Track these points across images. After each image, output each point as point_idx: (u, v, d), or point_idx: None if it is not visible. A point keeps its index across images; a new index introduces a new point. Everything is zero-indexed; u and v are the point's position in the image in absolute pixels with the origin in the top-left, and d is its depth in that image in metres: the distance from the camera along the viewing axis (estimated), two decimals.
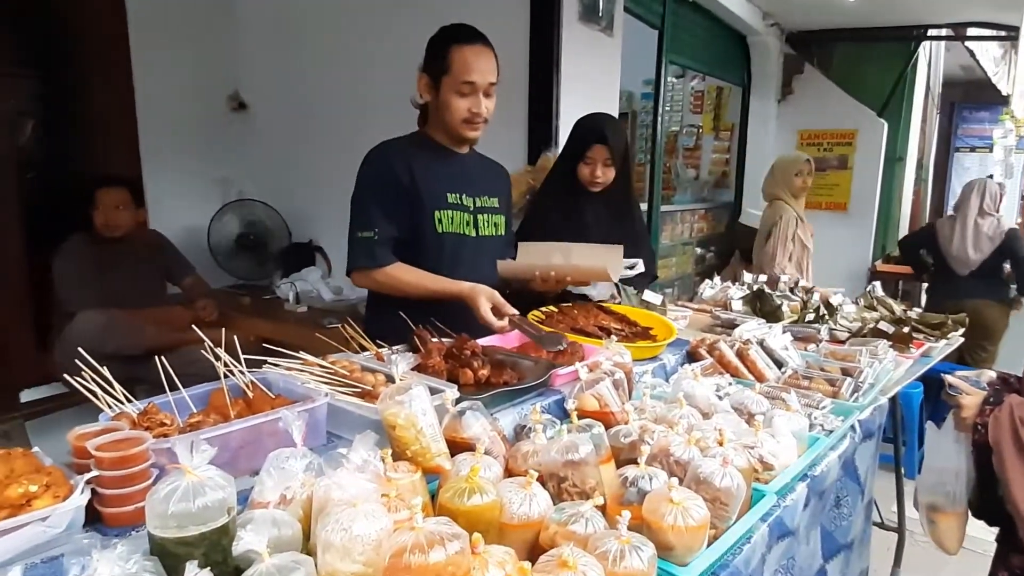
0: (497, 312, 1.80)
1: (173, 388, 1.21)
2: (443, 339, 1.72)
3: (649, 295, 2.33)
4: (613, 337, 1.70)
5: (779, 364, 1.93)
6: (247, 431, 1.09)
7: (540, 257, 2.04)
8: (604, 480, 1.14)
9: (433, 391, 1.30)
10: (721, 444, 1.18)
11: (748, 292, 2.60)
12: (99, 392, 1.13)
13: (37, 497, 0.86)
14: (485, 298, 1.79)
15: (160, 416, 1.06)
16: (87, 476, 0.90)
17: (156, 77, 4.00)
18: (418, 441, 1.09)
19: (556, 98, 3.10)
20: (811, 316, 2.46)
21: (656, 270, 2.75)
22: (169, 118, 4.09)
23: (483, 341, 1.74)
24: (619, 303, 2.25)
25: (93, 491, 0.92)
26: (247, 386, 1.26)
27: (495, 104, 1.92)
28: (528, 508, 1.01)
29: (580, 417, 1.32)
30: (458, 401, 1.27)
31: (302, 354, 1.34)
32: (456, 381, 1.56)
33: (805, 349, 2.11)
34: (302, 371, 1.31)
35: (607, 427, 1.32)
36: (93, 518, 0.93)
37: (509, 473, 1.20)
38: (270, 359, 1.30)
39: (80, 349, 1.17)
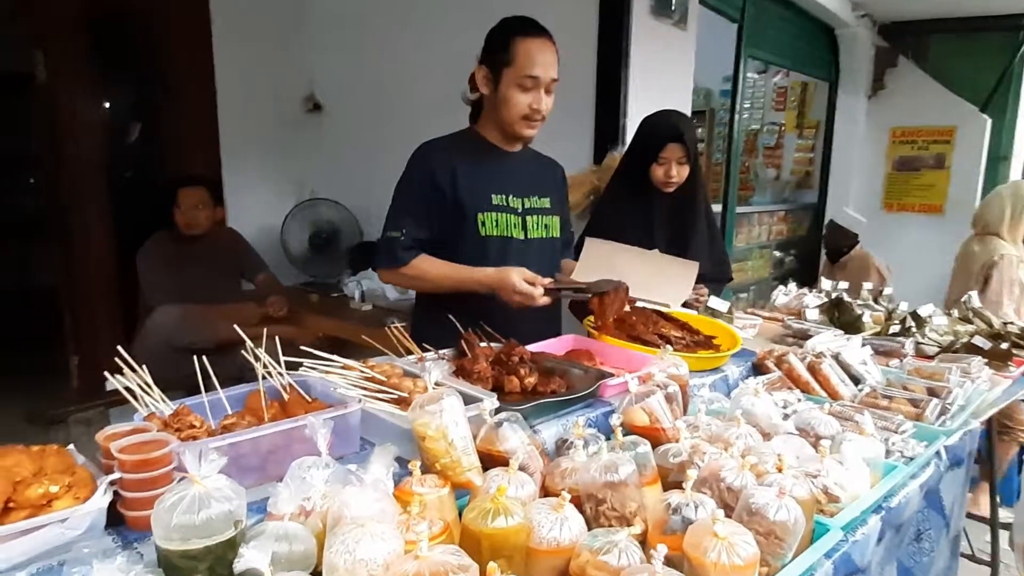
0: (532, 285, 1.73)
1: (210, 388, 1.20)
2: (492, 344, 1.67)
3: (715, 301, 2.20)
4: (669, 347, 1.60)
5: (856, 380, 1.78)
6: (276, 436, 1.06)
7: (605, 260, 1.96)
8: (647, 504, 1.06)
9: (471, 400, 1.25)
10: (780, 471, 1.07)
11: (825, 300, 2.42)
12: (138, 391, 1.13)
13: (58, 498, 0.86)
14: (516, 273, 1.72)
15: (190, 418, 1.05)
16: (109, 478, 0.89)
17: (236, 80, 4.14)
18: (448, 454, 1.04)
19: (624, 95, 2.99)
20: (896, 328, 2.27)
21: (730, 272, 2.61)
22: (247, 120, 4.23)
23: (533, 347, 1.68)
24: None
25: (117, 493, 0.91)
26: (284, 388, 1.24)
27: (553, 102, 1.85)
28: (559, 532, 0.94)
29: (628, 433, 1.24)
30: (497, 411, 1.22)
31: (335, 357, 1.31)
32: (502, 388, 1.51)
33: (887, 365, 1.94)
34: (338, 374, 1.28)
35: (656, 445, 1.24)
36: (118, 520, 0.93)
37: (546, 492, 1.13)
38: (306, 361, 1.27)
39: (120, 348, 1.17)
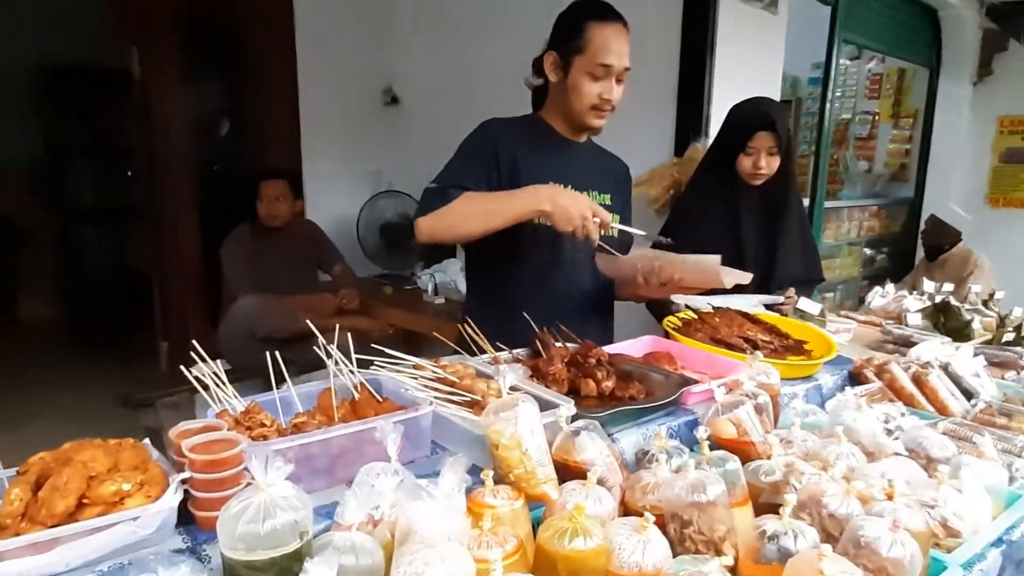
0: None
1: (283, 383, 1.19)
2: (567, 344, 1.60)
3: (805, 303, 2.06)
4: (758, 352, 1.49)
5: (968, 395, 1.62)
6: (345, 439, 1.03)
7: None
8: (737, 528, 0.97)
9: (546, 405, 1.19)
10: (890, 498, 0.96)
11: (929, 304, 2.23)
12: (212, 385, 1.12)
13: (130, 495, 0.85)
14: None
15: (260, 416, 1.03)
16: (180, 477, 0.88)
17: (317, 74, 4.21)
18: (523, 464, 0.99)
19: (709, 84, 2.85)
20: (1010, 336, 2.06)
21: (822, 272, 2.44)
22: (327, 113, 4.29)
23: (610, 349, 1.60)
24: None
25: (187, 491, 0.90)
26: (355, 387, 1.21)
27: (628, 91, 1.76)
28: (641, 557, 0.86)
29: (713, 446, 1.15)
30: (574, 419, 1.15)
31: (407, 356, 1.27)
32: (577, 391, 1.44)
33: (1002, 378, 1.76)
34: (409, 374, 1.25)
35: (744, 460, 1.14)
36: (189, 519, 0.91)
37: (625, 508, 1.06)
38: (377, 359, 1.24)
39: (195, 342, 1.17)
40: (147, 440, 1.02)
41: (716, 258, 1.68)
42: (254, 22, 4.18)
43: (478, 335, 1.52)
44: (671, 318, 1.84)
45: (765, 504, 1.06)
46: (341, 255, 3.90)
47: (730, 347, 1.70)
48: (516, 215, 1.62)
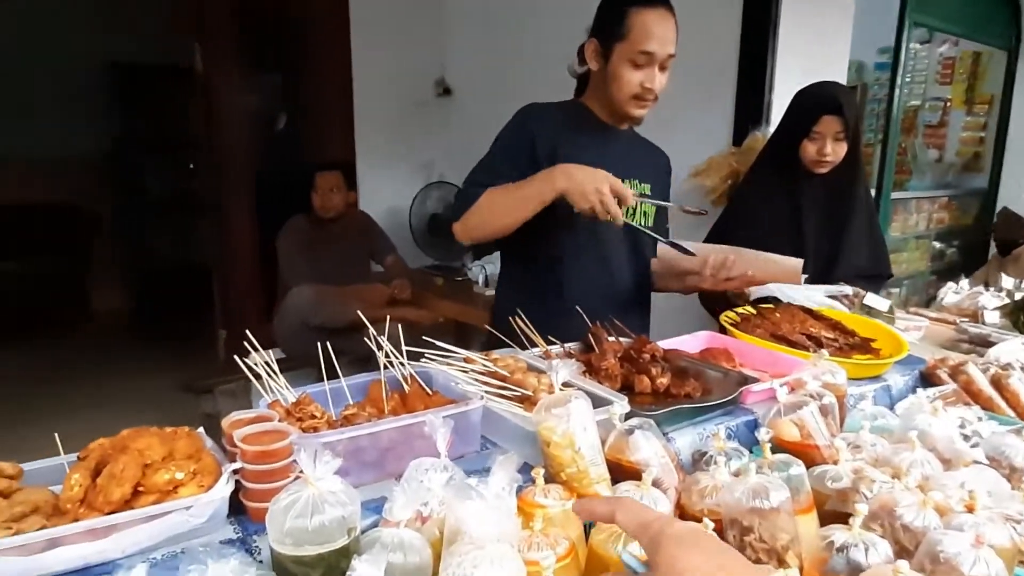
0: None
1: (334, 375, 1.19)
2: (620, 339, 1.56)
3: (873, 299, 1.96)
4: (823, 351, 1.42)
5: None
6: (394, 432, 1.02)
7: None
8: (801, 537, 0.92)
9: (600, 402, 1.16)
10: (971, 511, 0.89)
11: (1008, 301, 2.10)
12: (264, 375, 1.12)
13: (183, 484, 0.86)
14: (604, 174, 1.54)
15: (311, 408, 1.03)
16: (231, 467, 0.88)
17: (371, 65, 4.24)
18: (575, 463, 0.96)
19: (771, 69, 2.74)
20: None
21: (889, 268, 2.31)
22: (380, 104, 4.33)
23: (665, 344, 1.55)
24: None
25: (238, 482, 0.90)
26: (406, 379, 1.20)
27: (668, 80, 1.69)
28: None
29: (775, 449, 1.10)
30: (628, 416, 1.11)
31: (457, 349, 1.25)
32: (631, 388, 1.40)
33: None
34: (459, 367, 1.23)
35: (808, 465, 1.09)
36: (240, 509, 0.92)
37: (681, 511, 1.02)
38: (428, 351, 1.23)
39: (248, 332, 1.18)
40: (201, 429, 1.02)
41: (799, 262, 1.62)
42: (310, 16, 4.23)
43: (529, 328, 1.49)
44: (729, 313, 1.77)
45: (831, 512, 1.00)
46: (393, 246, 3.93)
47: (792, 344, 1.63)
48: (539, 200, 1.58)
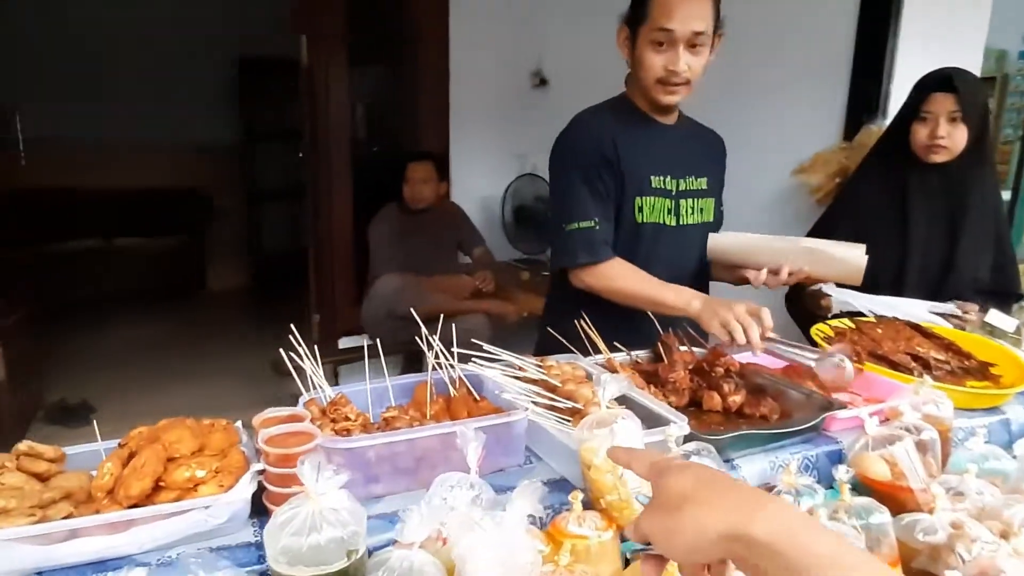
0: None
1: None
2: (693, 348, 1.44)
3: (997, 316, 1.72)
4: (928, 376, 1.24)
5: None
6: (429, 440, 0.97)
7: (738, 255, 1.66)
8: None
9: (656, 421, 1.06)
10: None
11: None
12: (309, 372, 1.10)
13: (204, 483, 0.84)
14: (736, 305, 1.40)
15: (346, 409, 0.99)
16: (254, 468, 0.86)
17: (468, 56, 4.23)
18: (617, 490, 0.87)
19: (891, 54, 2.47)
20: None
21: (1019, 286, 1.96)
22: (475, 94, 4.31)
23: (743, 358, 1.42)
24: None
25: (261, 483, 0.88)
26: (453, 383, 1.15)
27: (705, 62, 1.54)
28: None
29: (860, 490, 0.96)
30: (687, 440, 1.01)
31: (508, 354, 1.18)
32: (700, 404, 1.29)
33: None
34: (512, 374, 1.16)
35: (897, 511, 0.94)
36: (264, 510, 0.89)
37: None
38: (475, 355, 1.16)
39: (292, 326, 1.16)
40: (240, 423, 1.01)
41: (860, 248, 1.45)
42: (410, 7, 4.27)
43: (592, 331, 1.40)
44: (821, 326, 1.60)
45: (919, 572, 0.86)
46: (482, 238, 3.91)
47: (893, 365, 1.45)
48: (670, 311, 1.50)
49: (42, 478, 0.88)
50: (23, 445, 0.88)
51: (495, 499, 0.87)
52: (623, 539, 0.89)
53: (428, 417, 1.07)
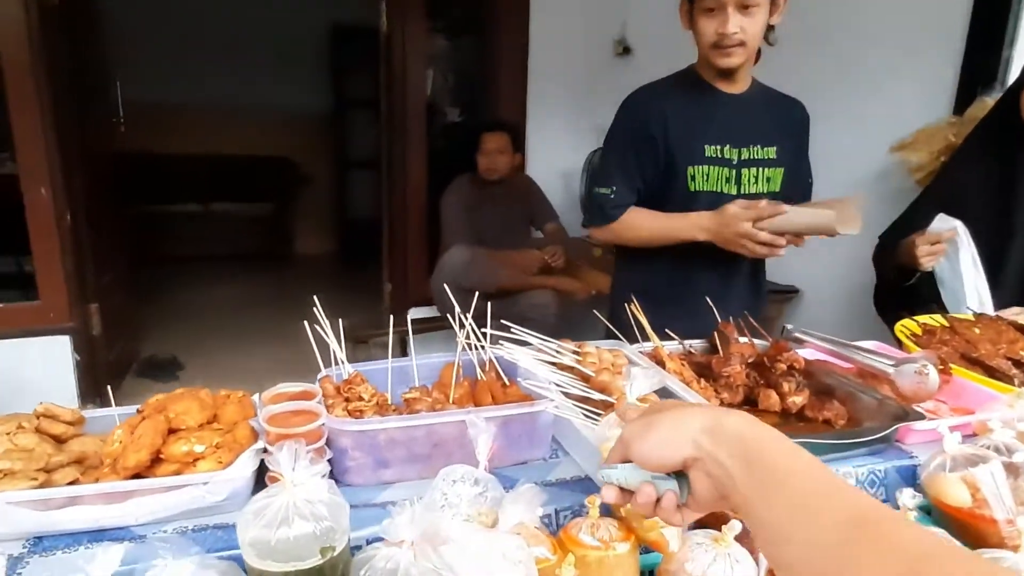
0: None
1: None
2: (754, 340, 1.32)
3: None
4: None
5: None
6: (446, 427, 0.91)
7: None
8: None
9: None
10: None
11: None
12: (331, 344, 1.06)
13: (203, 458, 0.82)
14: (735, 208, 1.51)
15: (360, 389, 0.94)
16: (255, 447, 0.82)
17: (549, 23, 4.10)
18: None
19: (1015, 16, 2.18)
20: None
21: None
22: (556, 64, 4.18)
23: (808, 354, 1.28)
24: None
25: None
26: (482, 366, 1.08)
27: (762, 22, 1.52)
28: None
29: (936, 517, 0.83)
30: None
31: (542, 338, 1.09)
32: (755, 403, 1.17)
33: None
34: (545, 360, 1.08)
35: (975, 544, 0.81)
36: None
37: None
38: (504, 337, 1.08)
39: (315, 297, 1.12)
40: (257, 396, 0.99)
41: (830, 213, 1.33)
42: None
43: (641, 316, 1.30)
44: (908, 322, 1.43)
45: None
46: (555, 213, 3.81)
47: (990, 372, 1.27)
48: (685, 239, 1.61)
49: (60, 440, 0.88)
50: (41, 407, 0.89)
51: (503, 497, 0.80)
52: (647, 550, 0.80)
53: (451, 401, 1.01)
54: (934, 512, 0.92)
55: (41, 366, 3.26)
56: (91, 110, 3.60)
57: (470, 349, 1.11)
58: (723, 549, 0.73)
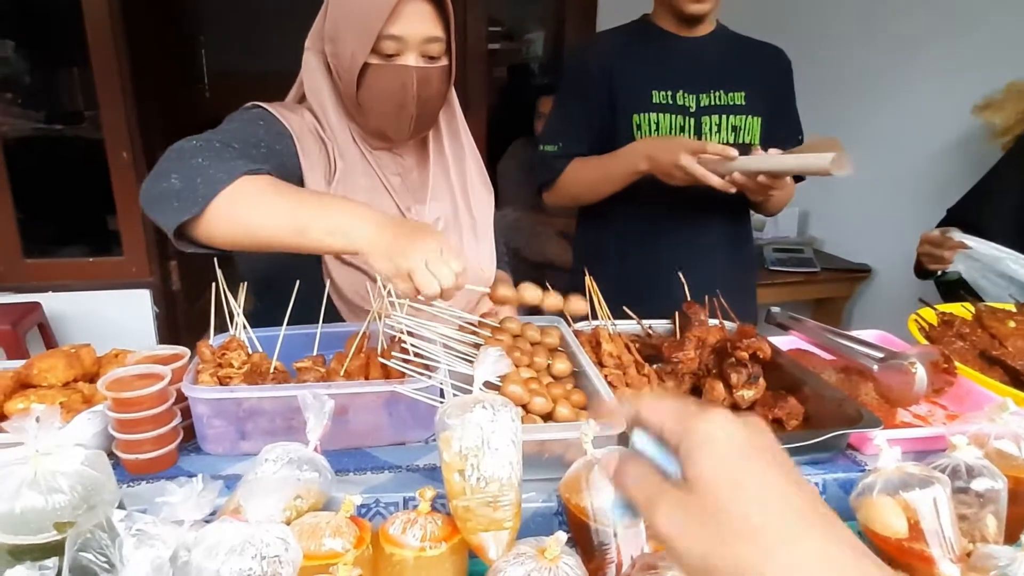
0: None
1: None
2: (724, 322, 1.17)
3: None
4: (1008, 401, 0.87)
5: None
6: (286, 402, 0.84)
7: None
8: None
9: None
10: None
11: None
12: (233, 307, 1.01)
13: None
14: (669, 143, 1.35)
15: (232, 355, 0.89)
16: (92, 410, 0.80)
17: None
18: (464, 495, 0.69)
19: None
20: None
21: None
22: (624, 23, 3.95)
23: (791, 342, 1.11)
24: None
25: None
26: (389, 339, 1.00)
27: None
28: None
29: (866, 543, 0.69)
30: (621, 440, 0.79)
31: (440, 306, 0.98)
32: (699, 394, 1.03)
33: None
34: (448, 335, 0.98)
35: None
36: None
37: None
38: (431, 310, 0.97)
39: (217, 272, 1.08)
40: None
41: (827, 156, 1.12)
42: None
43: (594, 290, 1.17)
44: (925, 311, 1.22)
45: None
46: None
47: (1014, 375, 1.06)
48: (624, 180, 1.45)
49: None
50: None
51: (333, 481, 0.74)
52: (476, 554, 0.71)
53: (341, 374, 0.94)
54: (864, 541, 0.76)
55: (123, 316, 3.51)
56: (175, 76, 3.75)
57: (378, 319, 1.03)
58: (545, 563, 0.63)
